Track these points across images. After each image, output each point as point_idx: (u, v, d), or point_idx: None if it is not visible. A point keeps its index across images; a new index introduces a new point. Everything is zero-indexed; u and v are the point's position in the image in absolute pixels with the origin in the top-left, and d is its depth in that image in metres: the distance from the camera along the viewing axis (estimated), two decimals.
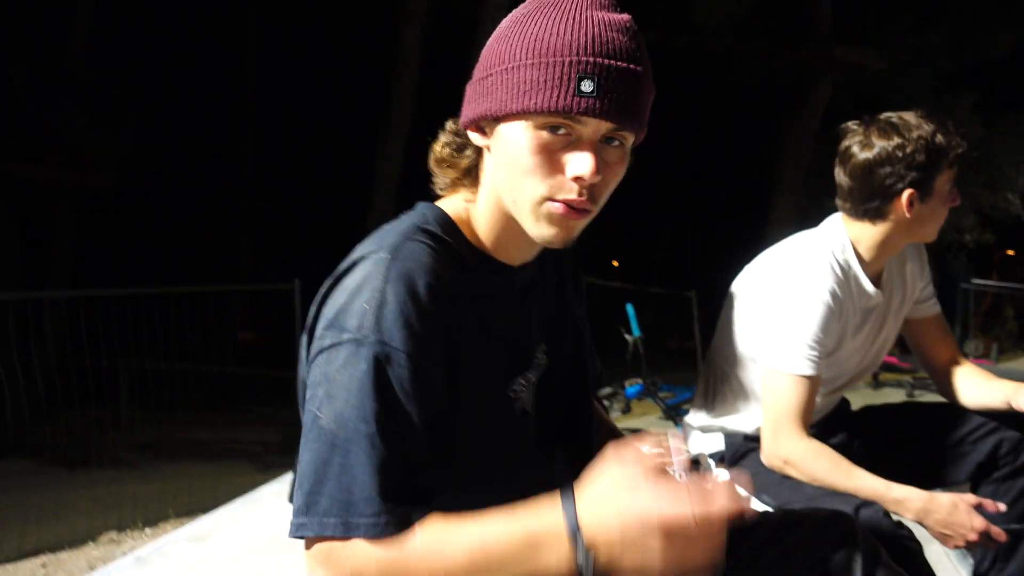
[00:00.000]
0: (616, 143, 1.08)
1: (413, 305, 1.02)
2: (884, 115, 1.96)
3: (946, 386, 2.16)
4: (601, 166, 1.06)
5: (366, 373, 0.99)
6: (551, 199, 1.08)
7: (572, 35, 1.03)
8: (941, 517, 1.76)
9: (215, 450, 7.80)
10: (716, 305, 2.24)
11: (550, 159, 1.06)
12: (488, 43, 1.13)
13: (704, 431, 2.22)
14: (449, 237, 1.14)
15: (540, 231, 1.11)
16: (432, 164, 1.22)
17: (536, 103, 1.03)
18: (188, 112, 14.34)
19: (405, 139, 10.58)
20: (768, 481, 1.98)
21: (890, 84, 13.88)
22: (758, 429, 2.03)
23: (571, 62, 1.03)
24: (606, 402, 5.70)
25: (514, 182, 1.09)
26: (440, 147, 1.21)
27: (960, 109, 13.34)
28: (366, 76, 14.11)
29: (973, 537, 1.73)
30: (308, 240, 14.94)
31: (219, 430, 8.94)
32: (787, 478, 1.94)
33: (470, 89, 1.14)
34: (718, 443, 2.17)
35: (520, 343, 1.23)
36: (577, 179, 1.05)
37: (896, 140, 1.90)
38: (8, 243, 10.53)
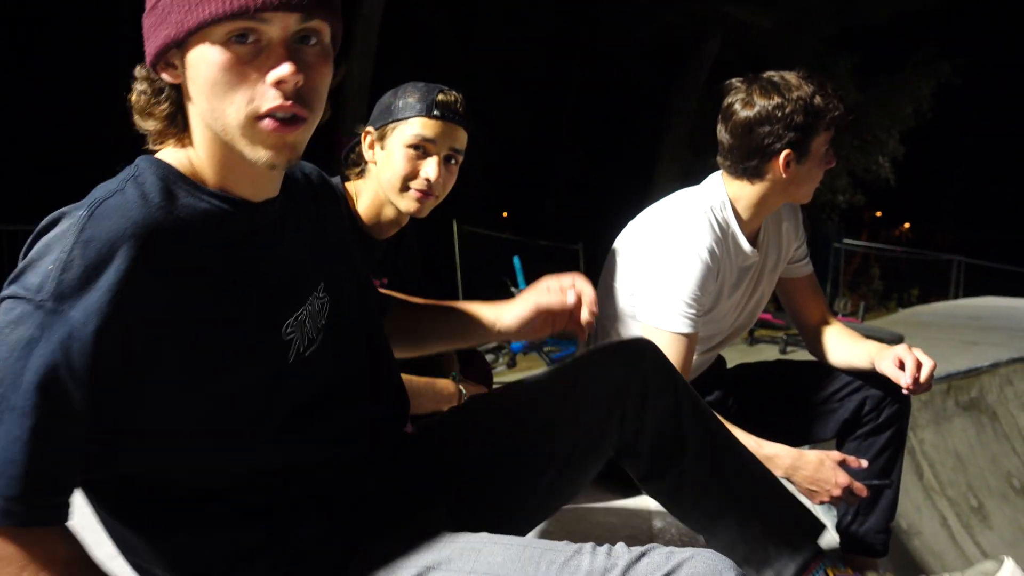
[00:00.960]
0: (312, 41, 1.02)
1: (102, 271, 0.91)
2: (767, 74, 1.97)
3: (815, 345, 2.22)
4: (302, 66, 0.99)
5: (33, 340, 0.89)
6: (258, 117, 1.00)
7: None
8: (808, 473, 1.82)
9: None
10: (602, 259, 2.24)
11: (244, 73, 0.98)
12: None
13: None
14: (169, 185, 1.03)
15: (258, 155, 1.02)
16: (136, 119, 1.09)
17: (211, 10, 0.96)
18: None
19: None
20: None
21: (775, 44, 14.21)
22: None
23: None
24: (490, 356, 5.70)
25: (217, 109, 1.00)
26: (136, 97, 1.08)
27: (838, 71, 13.80)
28: None
29: (837, 492, 1.79)
30: None
31: None
32: None
33: (146, 22, 1.04)
34: None
35: (281, 282, 1.13)
36: (278, 84, 0.98)
37: (776, 100, 1.91)
38: None
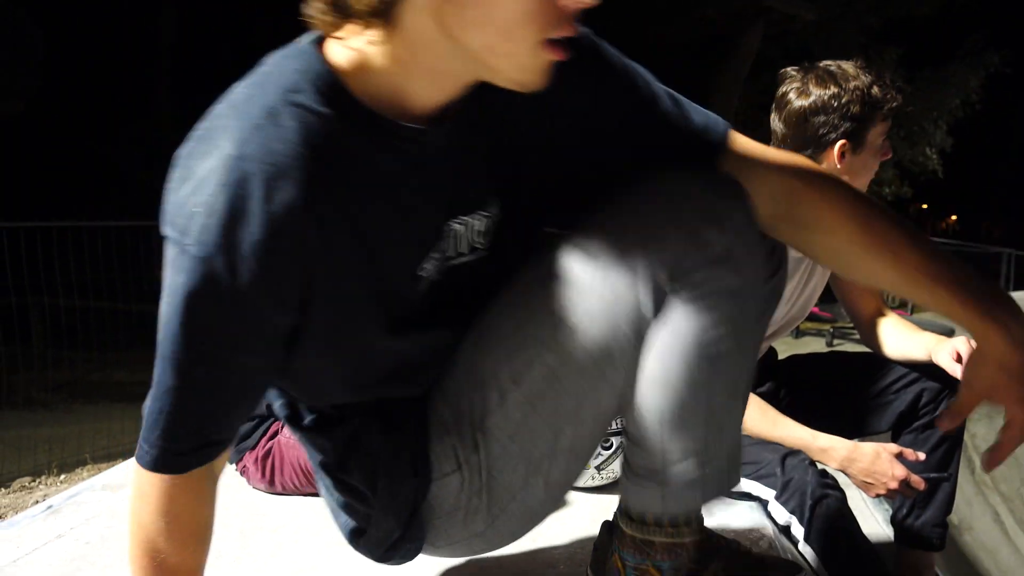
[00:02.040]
0: None
1: (248, 214, 0.84)
2: (823, 63, 1.95)
3: (870, 336, 2.19)
4: None
5: (183, 286, 0.87)
6: (547, 42, 0.87)
7: None
8: (864, 466, 1.80)
9: (134, 392, 7.59)
10: None
11: None
12: None
13: None
14: (336, 106, 0.90)
15: (525, 79, 0.91)
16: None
17: None
18: (103, 41, 13.69)
19: None
20: None
21: (817, 37, 14.02)
22: None
23: None
24: None
25: (505, 31, 0.85)
26: None
27: (884, 64, 13.58)
28: (291, 4, 13.64)
29: (894, 485, 1.77)
30: None
31: (137, 371, 8.70)
32: None
33: None
34: None
35: (431, 216, 1.03)
36: (577, 7, 0.86)
37: (833, 89, 1.89)
38: None
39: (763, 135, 2.04)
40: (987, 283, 1.04)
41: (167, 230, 0.88)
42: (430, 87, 0.94)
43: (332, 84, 0.90)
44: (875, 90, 1.89)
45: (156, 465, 0.97)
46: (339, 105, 0.90)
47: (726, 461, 1.12)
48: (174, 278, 0.88)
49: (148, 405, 0.96)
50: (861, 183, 2.00)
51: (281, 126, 0.86)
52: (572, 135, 1.08)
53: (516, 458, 1.10)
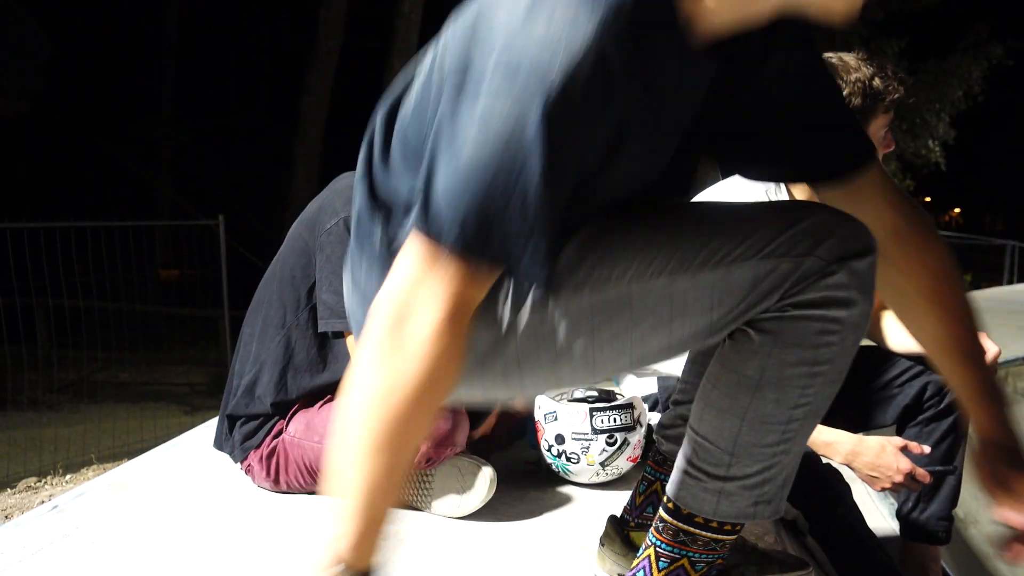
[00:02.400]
0: None
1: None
2: (825, 55, 1.94)
3: (873, 330, 2.18)
4: None
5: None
6: None
7: None
8: (869, 460, 1.79)
9: (139, 392, 7.62)
10: None
11: None
12: None
13: (637, 375, 2.22)
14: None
15: (839, 7, 0.96)
16: None
17: None
18: (105, 40, 13.70)
19: (333, 72, 10.29)
20: None
21: (820, 31, 13.93)
22: None
23: None
24: None
25: None
26: None
27: (886, 56, 13.54)
28: (292, 4, 13.66)
29: (899, 479, 1.77)
30: (232, 176, 14.53)
31: (143, 371, 8.72)
32: None
33: None
34: (651, 386, 2.17)
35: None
36: None
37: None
38: None
39: None
40: (1004, 401, 1.19)
41: None
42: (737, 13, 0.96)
43: None
44: (876, 82, 1.88)
45: (456, 238, 0.89)
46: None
47: (783, 482, 1.15)
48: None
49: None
50: None
51: None
52: (787, 88, 1.13)
53: (579, 321, 1.05)
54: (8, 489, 4.38)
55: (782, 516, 1.81)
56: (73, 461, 5.06)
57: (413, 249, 0.91)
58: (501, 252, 0.91)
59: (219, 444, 1.99)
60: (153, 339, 9.22)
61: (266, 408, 1.87)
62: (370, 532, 0.91)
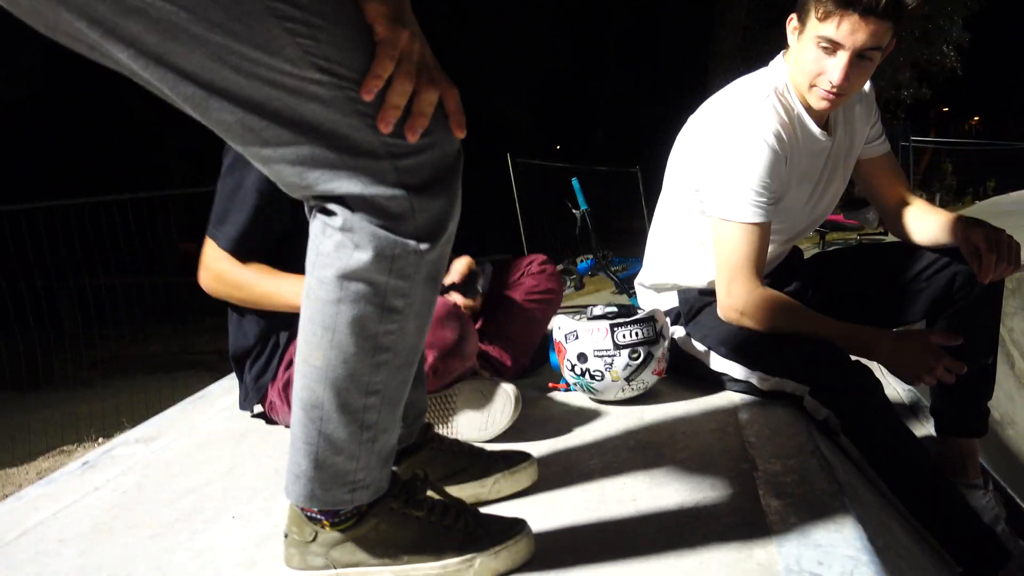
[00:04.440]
0: None
1: None
2: None
3: (897, 225, 2.13)
4: None
5: None
6: None
7: None
8: (902, 354, 1.76)
9: (169, 362, 7.70)
10: (661, 180, 2.17)
11: None
12: None
13: (657, 290, 2.18)
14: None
15: None
16: None
17: None
18: None
19: None
20: (726, 333, 1.96)
21: None
22: (712, 283, 1.99)
23: None
24: None
25: None
26: None
27: None
28: None
29: (934, 371, 1.73)
30: None
31: (171, 342, 8.81)
32: (744, 329, 1.91)
33: None
34: (672, 301, 2.14)
35: None
36: None
37: None
38: None
39: (769, 48, 1.96)
40: None
41: None
42: None
43: None
44: None
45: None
46: None
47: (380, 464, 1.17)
48: None
49: None
50: (799, 74, 1.89)
51: None
52: None
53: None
54: (44, 455, 4.43)
55: (814, 418, 1.79)
56: (108, 433, 5.13)
57: None
58: None
59: (242, 403, 1.98)
60: (179, 310, 9.28)
61: (261, 326, 1.84)
62: None
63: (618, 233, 11.16)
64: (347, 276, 0.98)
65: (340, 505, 1.13)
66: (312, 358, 1.04)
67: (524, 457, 1.49)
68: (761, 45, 13.81)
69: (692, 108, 2.07)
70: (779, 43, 1.99)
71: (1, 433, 5.11)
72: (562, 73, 17.72)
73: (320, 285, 1.00)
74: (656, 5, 17.22)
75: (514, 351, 2.18)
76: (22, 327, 5.89)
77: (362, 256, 0.97)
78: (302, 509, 1.16)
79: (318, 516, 1.15)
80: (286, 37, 0.87)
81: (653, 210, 2.26)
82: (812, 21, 1.79)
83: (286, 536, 1.19)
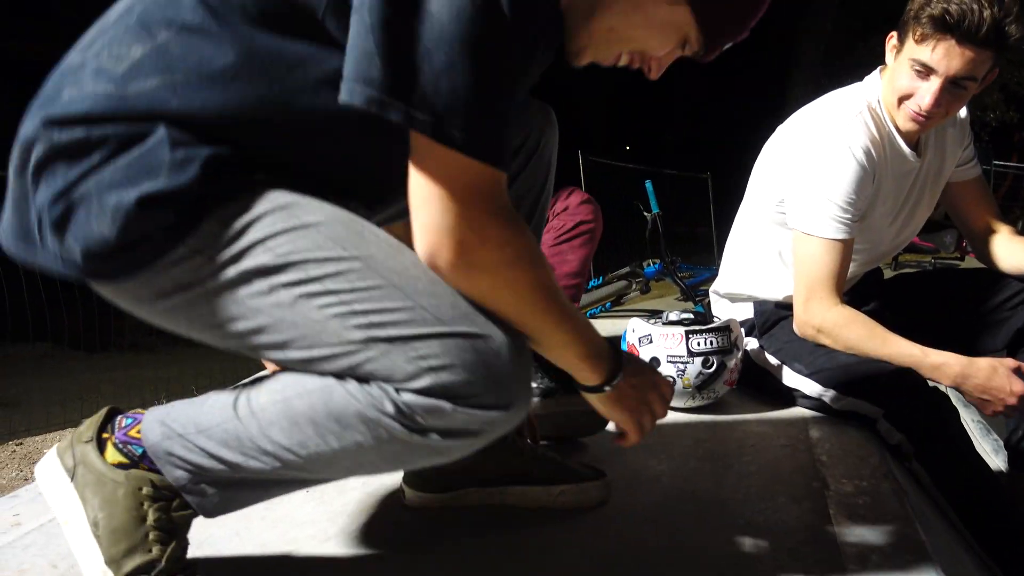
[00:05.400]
0: None
1: None
2: None
3: (984, 251, 2.09)
4: None
5: None
6: None
7: None
8: (980, 382, 1.72)
9: None
10: (732, 188, 2.16)
11: None
12: None
13: (732, 300, 2.17)
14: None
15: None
16: None
17: None
18: None
19: None
20: (801, 349, 1.94)
21: None
22: (789, 296, 1.97)
23: None
24: (622, 282, 5.63)
25: None
26: None
27: None
28: None
29: (1012, 401, 1.70)
30: None
31: None
32: (820, 346, 1.89)
33: None
34: (747, 312, 2.12)
35: None
36: None
37: None
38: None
39: (853, 60, 1.94)
40: None
41: None
42: None
43: None
44: (938, 4, 1.70)
45: (496, 153, 0.92)
46: None
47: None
48: None
49: (437, 80, 0.88)
50: (891, 92, 1.86)
51: None
52: None
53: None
54: None
55: (887, 442, 1.76)
56: (173, 397, 5.24)
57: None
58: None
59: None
60: None
61: None
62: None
63: (683, 239, 11.07)
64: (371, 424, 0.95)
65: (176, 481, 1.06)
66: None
67: (597, 475, 1.45)
68: (844, 55, 13.55)
69: (770, 116, 2.06)
70: (863, 55, 1.98)
71: (72, 393, 5.27)
72: (636, 71, 17.57)
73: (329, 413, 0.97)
74: None
75: None
76: (87, 290, 6.06)
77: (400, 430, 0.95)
78: (134, 448, 1.08)
79: (141, 461, 1.07)
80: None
81: (721, 218, 2.25)
82: (909, 42, 1.76)
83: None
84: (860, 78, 1.98)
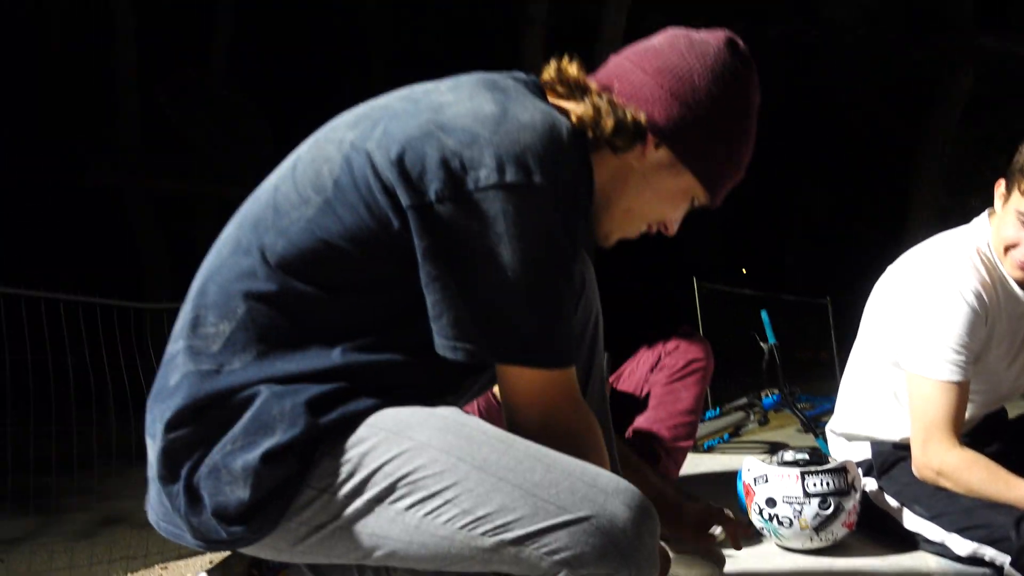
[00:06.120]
0: None
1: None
2: None
3: None
4: None
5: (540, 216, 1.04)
6: None
7: None
8: None
9: None
10: (853, 312, 2.20)
11: None
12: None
13: (849, 439, 2.18)
14: None
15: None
16: None
17: None
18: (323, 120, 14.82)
19: None
20: (921, 492, 1.93)
21: None
22: (906, 437, 1.97)
23: None
24: (740, 413, 5.57)
25: None
26: None
27: None
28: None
29: None
30: None
31: None
32: (941, 489, 1.88)
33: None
34: (864, 452, 2.12)
35: None
36: None
37: None
38: (157, 255, 11.20)
39: (977, 183, 1.99)
40: None
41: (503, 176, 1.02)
42: None
43: None
44: None
45: (568, 358, 1.10)
46: None
47: None
48: (529, 216, 1.03)
49: (517, 322, 1.05)
50: (997, 239, 1.91)
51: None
52: None
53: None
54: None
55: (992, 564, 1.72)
56: None
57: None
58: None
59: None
60: None
61: None
62: None
63: (803, 366, 10.83)
64: None
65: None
66: None
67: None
68: (966, 174, 13.31)
69: (891, 236, 2.11)
70: (981, 183, 2.01)
71: None
72: (750, 192, 17.63)
73: None
74: (856, 130, 16.98)
75: (665, 441, 2.19)
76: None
77: None
78: None
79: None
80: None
81: (843, 342, 2.27)
82: (1016, 193, 1.82)
83: None
84: (982, 198, 2.03)
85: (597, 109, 1.16)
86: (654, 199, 1.23)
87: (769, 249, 19.21)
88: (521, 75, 1.19)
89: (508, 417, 1.12)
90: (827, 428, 2.29)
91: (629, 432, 2.23)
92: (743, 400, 5.71)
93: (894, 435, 2.06)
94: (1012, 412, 2.28)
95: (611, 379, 2.29)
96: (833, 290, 11.28)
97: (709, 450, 5.35)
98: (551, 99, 1.19)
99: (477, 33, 14.92)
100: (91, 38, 11.77)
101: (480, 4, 13.87)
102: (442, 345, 1.05)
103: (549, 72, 1.21)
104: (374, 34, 14.97)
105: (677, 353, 2.32)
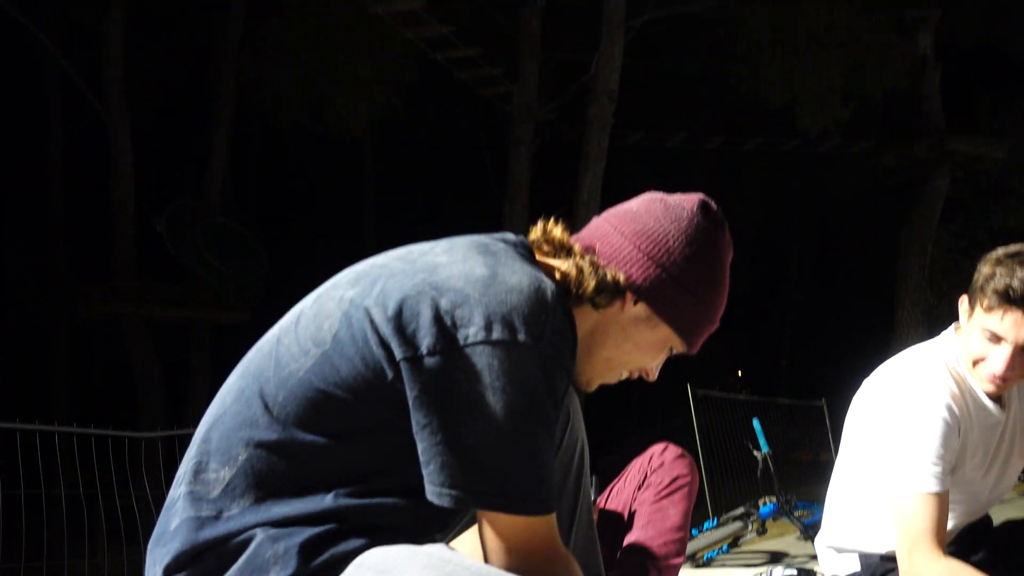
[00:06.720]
0: None
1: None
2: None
3: None
4: None
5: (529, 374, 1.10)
6: None
7: None
8: None
9: None
10: (846, 414, 2.24)
11: None
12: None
13: (838, 551, 2.19)
14: None
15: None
16: None
17: None
18: (317, 251, 15.09)
19: None
20: None
21: (1011, 172, 13.52)
22: (893, 550, 2.00)
23: None
24: (738, 523, 5.53)
25: None
26: None
27: None
28: (478, 202, 14.65)
29: None
30: None
31: None
32: None
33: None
34: (854, 564, 2.14)
35: None
36: None
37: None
38: (152, 382, 11.21)
39: (960, 280, 2.06)
40: None
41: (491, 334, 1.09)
42: None
43: None
44: (1001, 279, 1.82)
45: (550, 506, 1.14)
46: None
47: None
48: (513, 371, 1.09)
49: (501, 471, 1.11)
50: (965, 354, 1.96)
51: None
52: None
53: None
54: None
55: None
56: None
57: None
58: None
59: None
60: None
61: None
62: None
63: (803, 467, 10.76)
64: None
65: None
66: None
67: None
68: (949, 274, 13.52)
69: (879, 338, 2.15)
70: (969, 272, 2.02)
71: None
72: (742, 296, 17.87)
73: None
74: (839, 234, 17.30)
75: (657, 559, 2.21)
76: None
77: None
78: None
79: None
80: None
81: (839, 443, 2.27)
82: (979, 310, 1.89)
83: None
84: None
85: (580, 270, 1.25)
86: (633, 350, 1.31)
87: (763, 353, 19.28)
88: (511, 237, 1.29)
89: (486, 560, 1.17)
90: (815, 541, 2.31)
91: (619, 552, 2.25)
92: (740, 510, 5.66)
93: (881, 547, 2.09)
94: (996, 519, 2.31)
95: (599, 500, 2.33)
96: (828, 391, 11.29)
97: (709, 562, 5.27)
98: (538, 256, 1.28)
99: (462, 151, 15.37)
100: (91, 172, 12.11)
101: (472, 128, 14.38)
102: (431, 491, 1.11)
103: (536, 232, 1.32)
104: (369, 154, 15.40)
105: (662, 470, 2.35)
